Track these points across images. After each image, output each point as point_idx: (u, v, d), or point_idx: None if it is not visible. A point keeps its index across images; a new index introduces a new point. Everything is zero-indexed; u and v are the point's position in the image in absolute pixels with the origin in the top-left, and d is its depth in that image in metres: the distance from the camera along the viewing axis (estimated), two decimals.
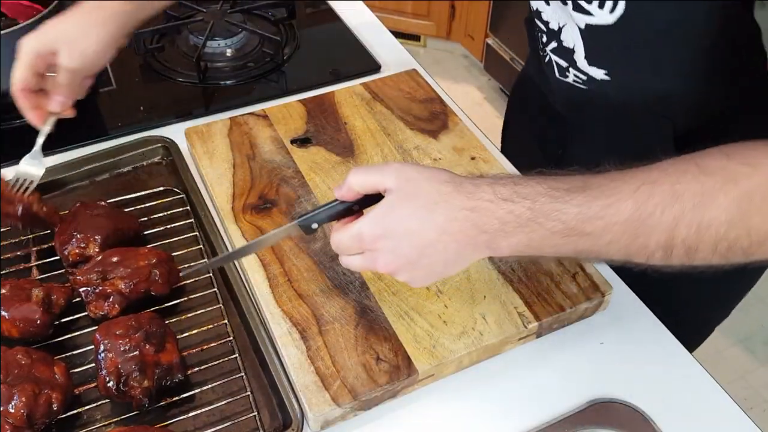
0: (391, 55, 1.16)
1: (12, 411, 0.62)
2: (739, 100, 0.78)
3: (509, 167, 0.94)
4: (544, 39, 0.81)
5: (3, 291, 0.71)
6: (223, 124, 0.95)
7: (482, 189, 0.57)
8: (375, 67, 1.14)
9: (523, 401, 0.71)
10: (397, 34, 1.25)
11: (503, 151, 1.14)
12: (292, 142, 0.93)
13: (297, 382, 0.67)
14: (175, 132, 0.97)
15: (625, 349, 0.75)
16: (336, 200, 0.65)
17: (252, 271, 0.77)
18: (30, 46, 0.76)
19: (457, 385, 0.72)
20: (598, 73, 0.76)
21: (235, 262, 0.79)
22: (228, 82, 1.11)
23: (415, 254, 0.59)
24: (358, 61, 1.15)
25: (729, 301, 0.98)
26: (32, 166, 0.76)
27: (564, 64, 0.79)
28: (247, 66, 1.14)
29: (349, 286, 0.76)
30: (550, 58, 0.82)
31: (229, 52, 1.16)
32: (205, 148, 0.92)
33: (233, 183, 0.87)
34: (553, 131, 0.95)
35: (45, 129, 0.77)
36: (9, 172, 0.89)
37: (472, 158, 0.92)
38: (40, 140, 0.77)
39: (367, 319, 0.72)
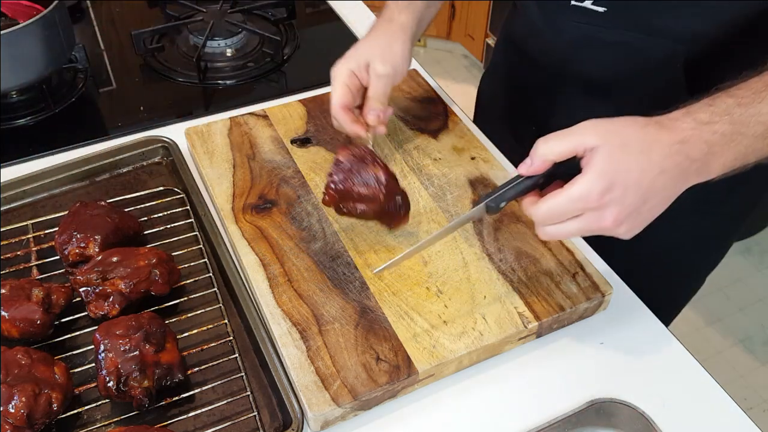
0: None
1: (12, 411, 0.62)
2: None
3: (509, 167, 0.94)
4: None
5: (3, 291, 0.71)
6: (223, 124, 0.95)
7: (681, 120, 0.60)
8: None
9: (523, 401, 0.71)
10: None
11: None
12: (292, 142, 0.93)
13: (297, 382, 0.67)
14: (175, 132, 0.97)
15: (625, 349, 0.75)
16: (518, 177, 0.66)
17: (252, 271, 0.77)
18: (344, 66, 0.83)
19: (457, 385, 0.72)
20: None
21: (235, 262, 0.79)
22: (228, 82, 1.11)
23: (641, 200, 0.60)
24: None
25: (702, 270, 1.02)
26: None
27: None
28: (247, 66, 1.15)
29: (349, 286, 0.76)
30: None
31: (229, 52, 1.16)
32: (205, 148, 0.92)
33: (233, 183, 0.87)
34: (530, 107, 0.94)
35: (370, 139, 0.83)
36: (8, 173, 0.90)
37: (472, 158, 0.92)
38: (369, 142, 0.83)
39: (367, 319, 0.72)
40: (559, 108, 0.90)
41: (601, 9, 0.78)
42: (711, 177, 0.62)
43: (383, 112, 0.82)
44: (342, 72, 0.82)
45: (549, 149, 0.62)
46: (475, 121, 1.14)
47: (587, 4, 0.79)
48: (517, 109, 1.01)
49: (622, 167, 0.59)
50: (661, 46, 0.77)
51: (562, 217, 0.62)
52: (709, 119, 0.59)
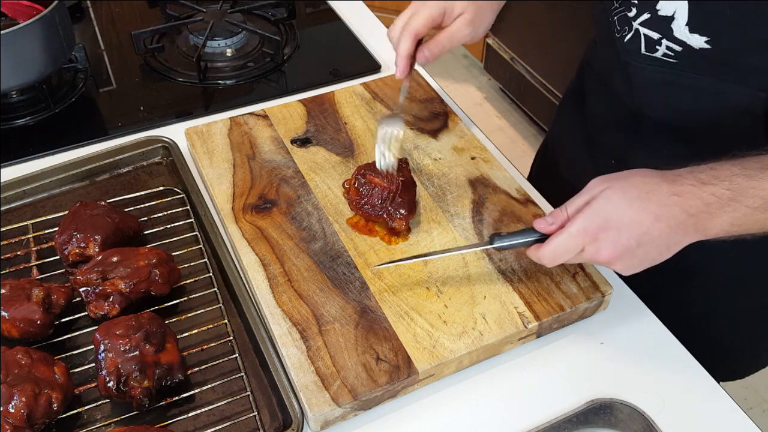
0: (391, 55, 1.15)
1: (12, 411, 0.62)
2: None
3: (509, 167, 0.94)
4: (632, 13, 0.78)
5: (3, 291, 0.71)
6: (223, 124, 0.95)
7: (684, 176, 0.63)
8: (375, 67, 1.14)
9: (523, 401, 0.71)
10: None
11: (538, 166, 1.13)
12: (292, 142, 0.93)
13: (297, 382, 0.67)
14: (175, 132, 0.97)
15: (625, 349, 0.75)
16: (531, 229, 0.69)
17: (252, 271, 0.77)
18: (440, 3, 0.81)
19: (457, 385, 0.72)
20: (698, 42, 0.72)
21: (235, 262, 0.79)
22: (228, 82, 1.11)
23: (634, 243, 0.63)
24: (358, 61, 1.15)
25: None
26: (394, 125, 0.82)
27: (655, 36, 0.76)
28: (247, 66, 1.15)
29: (349, 286, 0.76)
30: (636, 33, 0.79)
31: (229, 52, 1.16)
32: (205, 148, 0.92)
33: (233, 183, 0.87)
34: (610, 139, 0.92)
35: (403, 91, 0.83)
36: (8, 173, 0.90)
37: (472, 158, 0.92)
38: (400, 100, 0.85)
39: (367, 319, 0.72)
40: (639, 146, 0.88)
41: (673, 61, 0.76)
42: (709, 236, 0.63)
43: (433, 56, 0.83)
44: (437, 4, 0.81)
45: (569, 210, 0.67)
46: (551, 136, 1.13)
47: (659, 54, 0.77)
48: (597, 138, 0.97)
49: (619, 208, 0.63)
50: (736, 91, 0.74)
51: (565, 255, 0.66)
52: (708, 181, 0.62)
